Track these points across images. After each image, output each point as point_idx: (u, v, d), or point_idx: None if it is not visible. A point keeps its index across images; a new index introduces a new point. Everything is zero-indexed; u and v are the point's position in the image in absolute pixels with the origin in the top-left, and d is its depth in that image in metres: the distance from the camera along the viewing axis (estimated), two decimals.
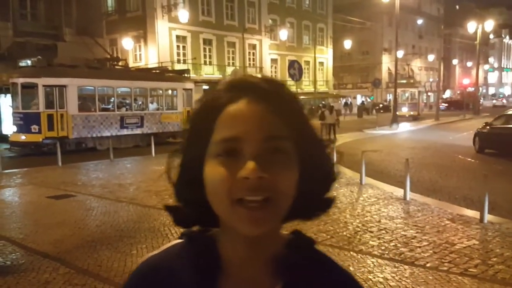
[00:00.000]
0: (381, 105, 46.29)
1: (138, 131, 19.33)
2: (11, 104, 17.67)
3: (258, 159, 0.60)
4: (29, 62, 19.06)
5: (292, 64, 16.37)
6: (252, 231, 0.61)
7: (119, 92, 19.45)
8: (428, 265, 4.86)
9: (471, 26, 40.50)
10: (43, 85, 16.38)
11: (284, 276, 0.68)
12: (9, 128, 18.24)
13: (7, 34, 22.27)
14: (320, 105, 27.81)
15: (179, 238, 0.75)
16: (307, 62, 42.12)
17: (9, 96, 18.16)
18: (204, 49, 34.38)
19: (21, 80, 16.53)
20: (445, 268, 4.75)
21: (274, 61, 41.15)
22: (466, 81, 61.44)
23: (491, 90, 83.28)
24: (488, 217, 6.58)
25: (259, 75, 0.68)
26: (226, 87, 0.66)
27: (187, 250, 0.71)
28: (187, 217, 0.72)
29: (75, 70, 17.49)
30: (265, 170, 0.59)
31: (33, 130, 16.32)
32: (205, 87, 34.66)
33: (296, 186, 0.64)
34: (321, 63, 46.46)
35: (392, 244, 5.60)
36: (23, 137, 16.43)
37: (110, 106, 18.95)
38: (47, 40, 23.63)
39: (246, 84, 0.65)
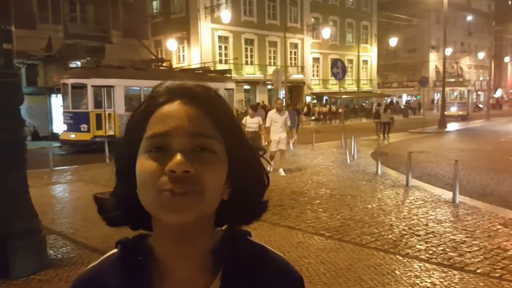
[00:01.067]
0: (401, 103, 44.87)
1: None
2: (61, 104, 18.41)
3: (185, 154, 0.62)
4: (78, 63, 19.81)
5: (335, 62, 16.15)
6: (175, 218, 0.62)
7: None
8: (478, 271, 4.65)
9: None
10: (92, 86, 16.96)
11: (221, 269, 0.70)
12: (59, 127, 19.01)
13: (58, 36, 23.21)
14: (375, 103, 27.26)
15: (115, 247, 0.76)
16: (350, 61, 41.52)
17: (60, 96, 18.92)
18: (246, 49, 34.59)
19: (71, 81, 17.19)
20: (497, 275, 4.53)
21: (316, 60, 40.85)
22: None
23: None
24: None
25: (194, 83, 0.72)
26: (163, 90, 0.69)
27: (122, 258, 0.72)
28: (117, 213, 0.73)
29: (122, 71, 18.02)
30: (191, 165, 0.62)
31: (82, 129, 16.95)
32: (247, 87, 34.94)
33: (223, 184, 0.67)
34: (365, 62, 45.69)
35: (440, 248, 5.40)
36: (73, 136, 17.08)
37: None
38: (95, 42, 24.48)
39: (181, 88, 0.68)
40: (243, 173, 0.69)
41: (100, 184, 10.02)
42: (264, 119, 11.00)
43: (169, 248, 0.69)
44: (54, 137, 19.87)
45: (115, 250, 0.75)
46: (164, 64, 22.56)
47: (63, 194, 9.35)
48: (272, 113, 10.58)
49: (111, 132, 17.41)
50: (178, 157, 0.62)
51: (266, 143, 10.66)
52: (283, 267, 0.77)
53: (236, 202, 0.71)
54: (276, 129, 10.35)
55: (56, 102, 20.62)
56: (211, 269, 0.70)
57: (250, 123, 11.07)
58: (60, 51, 22.16)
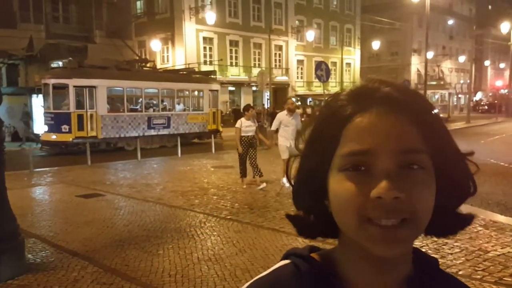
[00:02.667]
0: None
1: (165, 131, 19.54)
2: (42, 104, 18.13)
3: (392, 175, 0.54)
4: (60, 63, 19.51)
5: (319, 65, 16.20)
6: (386, 252, 0.55)
7: (147, 93, 19.71)
8: (460, 272, 4.70)
9: (504, 27, 39.38)
10: (74, 86, 16.74)
11: None
12: (40, 128, 18.71)
13: (40, 36, 22.86)
14: None
15: (284, 259, 0.67)
16: (334, 63, 41.80)
17: (41, 96, 18.62)
18: (231, 50, 34.55)
19: (52, 81, 16.93)
20: (479, 277, 4.58)
21: (300, 62, 41.00)
22: (498, 83, 59.73)
23: None
24: None
25: (390, 82, 0.61)
26: (352, 96, 0.60)
27: (302, 273, 0.63)
28: (311, 227, 0.66)
29: (105, 71, 17.83)
30: (400, 189, 0.53)
31: (63, 130, 16.70)
32: (231, 88, 34.89)
33: (433, 204, 0.57)
34: (348, 64, 46.04)
35: (422, 250, 5.44)
36: (53, 137, 16.82)
37: (138, 107, 19.23)
38: (78, 42, 24.20)
39: (377, 93, 0.59)
40: (450, 184, 0.60)
41: (81, 186, 9.88)
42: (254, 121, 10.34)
43: (363, 271, 0.61)
44: (35, 138, 19.55)
45: (284, 262, 0.66)
46: (148, 65, 22.37)
47: (43, 197, 9.19)
48: (282, 115, 9.17)
49: (93, 133, 17.21)
50: (385, 181, 0.53)
51: (267, 147, 10.25)
52: None
53: (439, 213, 0.59)
54: (287, 134, 8.92)
55: (37, 103, 20.31)
56: None
57: (246, 126, 9.40)
58: (41, 50, 21.83)
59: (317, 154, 0.61)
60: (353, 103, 0.59)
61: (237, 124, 9.47)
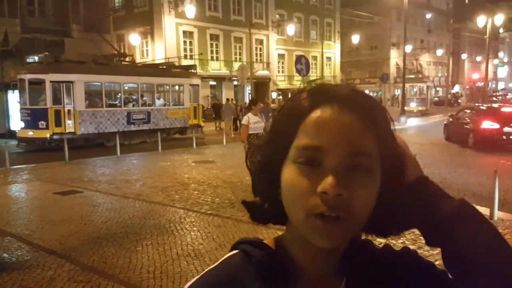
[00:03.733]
0: None
1: (145, 127, 19.34)
2: (18, 100, 17.75)
3: (339, 174, 0.57)
4: (36, 58, 19.12)
5: (299, 59, 16.25)
6: (325, 244, 0.59)
7: (126, 88, 19.47)
8: (437, 262, 4.76)
9: (481, 20, 40.02)
10: (51, 81, 16.42)
11: (346, 273, 0.68)
12: (17, 124, 18.33)
13: (15, 30, 22.34)
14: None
15: (233, 249, 0.70)
16: (315, 57, 41.95)
17: (16, 92, 18.23)
18: (211, 44, 34.33)
19: (28, 76, 16.57)
20: None
21: (281, 56, 41.01)
22: (475, 76, 60.86)
23: (501, 85, 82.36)
24: (498, 213, 6.49)
25: (349, 85, 0.65)
26: (313, 92, 0.63)
27: (250, 260, 0.66)
28: (264, 213, 0.69)
29: (82, 66, 17.53)
30: (344, 187, 0.57)
31: (40, 126, 16.38)
32: (212, 82, 34.71)
33: (373, 205, 0.61)
34: (329, 58, 46.24)
35: (400, 241, 5.50)
36: (30, 133, 16.50)
37: (117, 102, 18.98)
38: (54, 36, 23.69)
39: (335, 92, 0.62)
40: (392, 187, 0.63)
41: (58, 183, 9.72)
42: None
43: (307, 256, 0.65)
44: (11, 134, 19.16)
45: (233, 252, 0.69)
46: (127, 59, 22.08)
47: (19, 194, 9.00)
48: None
49: (71, 129, 16.93)
50: (332, 177, 0.56)
51: None
52: (415, 260, 0.74)
53: (380, 213, 0.63)
54: None
55: (13, 99, 19.88)
56: (339, 273, 0.68)
57: (254, 122, 8.35)
58: (17, 45, 21.34)
59: (275, 145, 0.64)
60: (313, 99, 0.61)
61: (244, 121, 8.54)
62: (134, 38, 28.36)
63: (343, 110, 0.59)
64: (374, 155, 0.59)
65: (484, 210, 6.77)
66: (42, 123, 16.34)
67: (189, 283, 0.66)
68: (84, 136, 17.29)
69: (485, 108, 17.71)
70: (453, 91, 63.09)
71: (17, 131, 17.72)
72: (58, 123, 16.62)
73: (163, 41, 30.99)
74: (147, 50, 32.71)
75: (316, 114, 0.60)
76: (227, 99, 27.21)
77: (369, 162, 0.59)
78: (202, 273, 0.66)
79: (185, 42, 32.41)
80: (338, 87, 0.63)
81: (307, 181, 0.58)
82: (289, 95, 0.67)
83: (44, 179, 10.33)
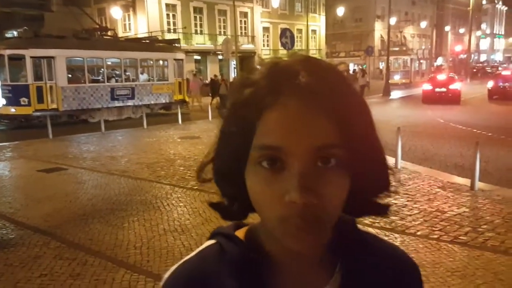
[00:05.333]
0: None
1: (129, 102, 19.12)
2: None
3: (306, 175, 0.52)
4: (15, 33, 18.63)
5: (284, 32, 16.08)
6: (299, 248, 0.55)
7: (109, 63, 19.12)
8: (418, 233, 4.90)
9: None
10: (31, 57, 16.05)
11: (338, 265, 0.64)
12: None
13: None
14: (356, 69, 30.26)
15: (210, 238, 0.68)
16: (300, 30, 41.55)
17: None
18: (195, 17, 33.72)
19: (8, 52, 16.15)
20: (436, 236, 4.79)
21: (266, 29, 40.51)
22: (458, 48, 61.07)
23: (483, 57, 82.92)
24: (478, 184, 6.64)
25: (312, 63, 0.57)
26: (269, 80, 0.56)
27: (226, 252, 0.64)
28: (234, 213, 0.66)
29: (63, 40, 17.13)
30: (313, 191, 0.52)
31: (22, 103, 16.09)
32: (197, 57, 34.25)
33: (345, 199, 0.57)
34: (314, 31, 45.85)
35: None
36: (12, 110, 16.20)
37: (100, 78, 18.67)
38: (33, 10, 23.08)
39: (295, 81, 0.54)
40: (366, 176, 0.58)
41: (42, 160, 9.63)
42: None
43: (282, 247, 0.60)
44: None
45: (211, 242, 0.67)
46: (109, 33, 21.61)
47: (2, 172, 8.89)
48: None
49: (53, 106, 16.66)
50: (297, 185, 0.51)
51: None
52: (399, 256, 0.71)
53: (352, 201, 0.59)
54: None
55: None
56: (329, 265, 0.64)
57: None
58: None
59: (233, 146, 0.58)
60: (270, 91, 0.55)
61: None
62: (115, 11, 27.75)
63: (303, 103, 0.53)
64: (341, 146, 0.54)
65: (465, 181, 6.94)
66: (24, 100, 16.03)
67: (167, 274, 0.65)
68: (67, 113, 17.05)
69: (430, 77, 26.50)
70: (436, 63, 63.38)
71: None
72: (41, 99, 16.33)
73: (146, 15, 30.34)
74: (129, 24, 32.02)
75: (275, 109, 0.53)
76: (214, 75, 26.94)
77: (336, 154, 0.54)
78: (181, 262, 0.66)
79: (168, 15, 31.77)
80: (297, 72, 0.55)
81: (273, 189, 0.53)
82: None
83: (28, 156, 10.22)
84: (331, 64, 0.59)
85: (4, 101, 16.50)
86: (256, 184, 0.55)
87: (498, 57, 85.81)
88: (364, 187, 0.59)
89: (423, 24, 57.91)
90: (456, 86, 22.42)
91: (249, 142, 0.55)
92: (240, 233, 0.67)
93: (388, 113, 17.11)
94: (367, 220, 5.30)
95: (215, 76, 28.70)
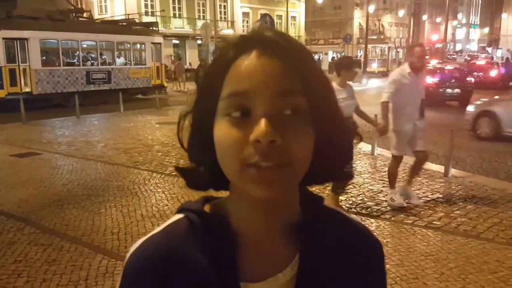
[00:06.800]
0: None
1: (105, 87, 18.77)
2: None
3: (271, 118, 0.54)
4: None
5: (263, 17, 15.99)
6: (265, 194, 0.56)
7: (84, 46, 18.69)
8: (393, 218, 4.99)
9: None
10: (3, 38, 15.57)
11: (301, 243, 0.65)
12: None
13: None
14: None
15: (178, 213, 0.67)
16: (279, 16, 41.38)
17: None
18: (173, 1, 33.22)
19: None
20: (410, 221, 4.90)
21: (245, 14, 40.22)
22: (434, 37, 61.87)
23: (458, 47, 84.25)
24: (452, 171, 6.79)
25: (275, 30, 0.61)
26: (237, 40, 0.60)
27: (195, 227, 0.64)
28: (200, 179, 0.66)
29: (37, 22, 16.67)
30: (278, 133, 0.53)
31: None
32: (175, 41, 33.81)
33: (312, 152, 0.58)
34: (293, 18, 45.76)
35: (359, 198, 5.72)
36: None
37: (75, 61, 18.25)
38: None
39: (259, 37, 0.59)
40: (329, 135, 0.60)
41: (16, 145, 9.41)
42: None
43: (252, 219, 0.63)
44: None
45: (179, 217, 0.66)
46: (84, 15, 21.10)
47: None
48: (402, 74, 5.20)
49: (27, 89, 16.25)
50: (263, 124, 0.53)
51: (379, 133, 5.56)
52: (363, 233, 0.72)
53: (318, 166, 0.61)
54: (404, 108, 5.19)
55: None
56: (294, 242, 0.65)
57: (341, 98, 4.68)
58: None
59: (203, 104, 0.61)
60: (236, 47, 0.58)
61: None
62: None
63: (266, 52, 0.56)
64: (302, 93, 0.56)
65: (439, 168, 7.09)
66: None
67: (132, 248, 0.64)
68: (41, 96, 16.64)
69: None
70: None
71: None
72: (14, 82, 15.90)
73: None
74: (105, 5, 31.37)
75: (240, 61, 0.57)
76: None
77: (299, 102, 0.56)
78: (147, 237, 0.65)
79: None
80: (262, 31, 0.60)
81: (239, 132, 0.55)
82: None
83: (0, 141, 9.96)
84: (296, 39, 0.62)
85: None
86: (222, 131, 0.57)
87: (473, 47, 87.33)
88: (329, 152, 0.61)
89: (401, 12, 58.46)
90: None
91: (217, 95, 0.57)
92: (208, 208, 0.67)
93: (367, 101, 17.27)
94: (344, 205, 5.38)
95: (204, 61, 28.57)
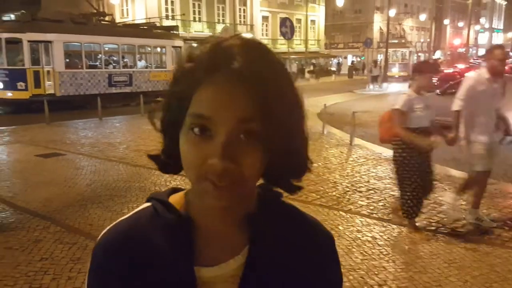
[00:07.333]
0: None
1: (126, 89, 19.05)
2: None
3: (228, 144, 0.60)
4: (12, 16, 18.43)
5: (284, 22, 16.03)
6: (217, 205, 0.64)
7: (106, 48, 19.00)
8: (416, 224, 4.94)
9: None
10: (28, 41, 15.93)
11: (252, 233, 0.71)
12: None
13: None
14: (373, 60, 32.86)
15: (147, 201, 0.75)
16: (299, 20, 41.36)
17: None
18: (193, 4, 33.49)
19: (5, 35, 16.03)
20: (433, 228, 4.84)
21: (265, 18, 40.31)
22: (457, 42, 61.06)
23: (481, 51, 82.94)
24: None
25: (246, 38, 0.65)
26: (208, 58, 0.64)
27: (158, 214, 0.71)
28: (169, 167, 0.73)
29: (61, 25, 17.00)
30: (231, 158, 0.60)
31: (19, 87, 16.02)
32: (195, 45, 34.01)
33: (263, 167, 0.65)
34: (313, 22, 45.66)
35: (380, 204, 5.68)
36: (9, 94, 16.13)
37: (97, 63, 18.56)
38: None
39: (228, 61, 0.62)
40: (283, 153, 0.65)
41: (40, 145, 9.61)
42: None
43: (205, 212, 0.70)
44: None
45: (146, 205, 0.75)
46: (106, 19, 21.46)
47: (0, 156, 8.88)
48: (479, 80, 4.64)
49: (50, 91, 16.60)
50: (219, 152, 0.60)
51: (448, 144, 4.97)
52: (314, 226, 0.78)
53: (270, 176, 0.69)
54: (484, 120, 4.66)
55: None
56: (247, 231, 0.71)
57: (418, 108, 4.47)
58: None
59: (174, 109, 0.66)
60: (208, 69, 0.62)
61: (399, 104, 4.50)
62: None
63: (231, 79, 0.61)
64: (260, 120, 0.61)
65: (462, 175, 6.97)
66: (21, 84, 15.96)
67: (102, 232, 0.73)
68: (64, 98, 16.96)
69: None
70: (435, 56, 63.39)
71: None
72: (38, 84, 16.26)
73: (144, 0, 30.10)
74: (127, 9, 31.79)
75: (209, 85, 0.62)
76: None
77: (254, 129, 0.61)
78: (114, 223, 0.73)
79: (166, 1, 31.51)
80: (235, 56, 0.62)
81: (200, 151, 0.62)
82: None
83: (25, 141, 10.19)
84: (268, 50, 0.65)
85: (0, 85, 16.40)
86: (187, 146, 0.64)
87: None
88: (280, 166, 0.67)
89: (422, 16, 57.80)
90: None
91: (185, 108, 0.64)
92: (173, 199, 0.74)
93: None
94: (365, 211, 5.36)
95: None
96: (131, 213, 0.74)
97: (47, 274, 3.74)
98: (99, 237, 0.72)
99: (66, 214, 5.23)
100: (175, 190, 0.77)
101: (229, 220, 0.71)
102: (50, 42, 16.36)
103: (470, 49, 58.20)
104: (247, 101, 0.60)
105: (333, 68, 48.10)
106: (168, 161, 0.72)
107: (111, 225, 0.73)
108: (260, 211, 0.72)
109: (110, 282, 0.69)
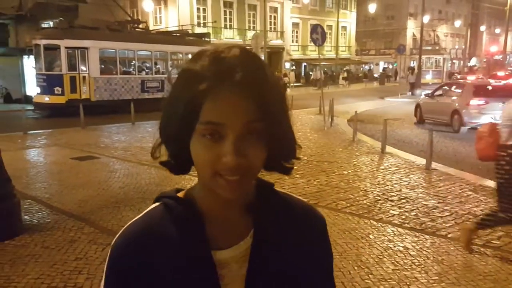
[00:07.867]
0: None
1: (158, 95, 19.36)
2: (34, 66, 17.84)
3: (238, 142, 0.70)
4: (51, 23, 19.07)
5: (315, 28, 15.96)
6: (230, 197, 0.72)
7: (140, 55, 19.41)
8: (449, 235, 4.83)
9: None
10: (66, 47, 16.45)
11: (254, 218, 0.80)
12: (33, 90, 18.48)
13: None
14: (409, 67, 34.15)
15: (155, 201, 0.83)
16: (330, 27, 41.18)
17: (32, 57, 18.29)
18: (225, 12, 33.86)
19: (43, 42, 16.61)
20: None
21: (295, 25, 40.35)
22: (493, 49, 59.38)
23: None
24: (433, 164, 6.50)
25: (242, 50, 0.74)
26: (212, 70, 0.71)
27: (170, 211, 0.79)
28: (179, 169, 0.81)
29: (97, 32, 17.49)
30: (242, 154, 0.70)
31: (56, 92, 16.54)
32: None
33: (265, 158, 0.74)
34: (344, 28, 45.39)
35: (413, 213, 5.57)
36: (46, 99, 16.68)
37: (131, 70, 18.97)
38: (68, 1, 23.48)
39: (232, 74, 0.70)
40: (279, 143, 0.76)
41: (75, 148, 9.88)
42: None
43: (212, 205, 0.79)
44: (27, 100, 19.34)
45: (155, 205, 0.82)
46: (141, 26, 21.93)
47: (37, 159, 9.18)
48: None
49: (86, 96, 17.05)
50: (231, 152, 0.69)
51: None
52: (308, 210, 0.89)
53: (269, 161, 0.77)
54: None
55: (29, 64, 19.97)
56: (251, 219, 0.81)
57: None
58: (31, 10, 21.24)
59: (183, 120, 0.72)
60: (214, 83, 0.70)
61: (482, 130, 4.34)
62: (147, 4, 28.05)
63: (239, 92, 0.70)
64: (262, 121, 0.71)
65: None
66: (58, 89, 16.48)
67: (117, 235, 0.78)
68: (98, 103, 17.41)
69: None
70: (470, 64, 61.84)
71: (33, 97, 17.90)
72: (74, 89, 16.75)
73: (177, 8, 30.63)
74: (160, 17, 32.40)
75: (217, 95, 0.70)
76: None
77: (259, 127, 0.71)
78: (128, 225, 0.79)
79: (198, 9, 31.99)
80: (235, 68, 0.71)
81: (213, 152, 0.70)
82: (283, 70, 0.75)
83: (61, 144, 10.50)
84: (259, 59, 0.76)
85: (38, 90, 16.98)
86: (200, 150, 0.72)
87: None
88: (277, 153, 0.77)
89: (457, 23, 56.58)
90: None
91: (196, 118, 0.71)
92: (180, 195, 0.82)
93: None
94: (397, 220, 5.27)
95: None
96: (142, 213, 0.81)
97: (81, 273, 3.84)
98: (115, 239, 0.78)
99: (100, 216, 5.36)
100: (178, 190, 0.85)
101: (234, 209, 0.80)
102: (86, 48, 16.84)
103: (508, 56, 56.44)
104: (251, 106, 0.70)
105: (365, 74, 47.59)
106: (177, 165, 0.80)
107: (126, 226, 0.79)
108: (259, 199, 0.82)
109: (129, 279, 0.75)
